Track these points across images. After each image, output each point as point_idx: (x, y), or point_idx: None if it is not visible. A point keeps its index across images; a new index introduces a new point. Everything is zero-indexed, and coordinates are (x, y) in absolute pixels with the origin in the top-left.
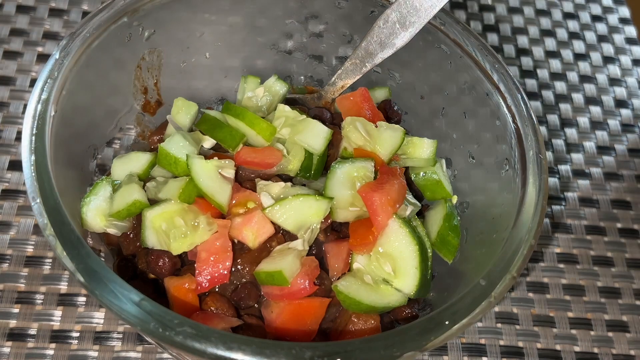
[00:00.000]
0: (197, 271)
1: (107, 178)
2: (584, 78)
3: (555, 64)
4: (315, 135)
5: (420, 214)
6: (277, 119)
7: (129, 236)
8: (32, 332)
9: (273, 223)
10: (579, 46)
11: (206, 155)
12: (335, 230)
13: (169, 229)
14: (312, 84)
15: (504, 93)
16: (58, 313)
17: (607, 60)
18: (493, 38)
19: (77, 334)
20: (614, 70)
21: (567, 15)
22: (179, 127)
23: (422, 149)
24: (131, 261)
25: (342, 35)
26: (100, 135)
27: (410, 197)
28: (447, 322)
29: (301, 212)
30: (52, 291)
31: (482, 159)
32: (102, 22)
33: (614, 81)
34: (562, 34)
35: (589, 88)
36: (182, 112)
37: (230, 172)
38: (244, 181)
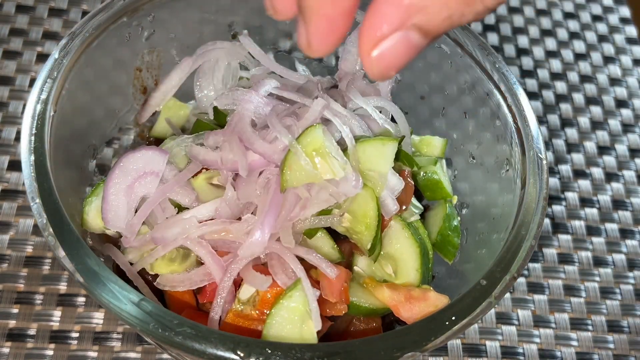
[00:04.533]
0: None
1: None
2: (585, 78)
3: (556, 64)
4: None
5: (421, 215)
6: None
7: None
8: (32, 332)
9: None
10: (579, 46)
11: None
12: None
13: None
14: None
15: (504, 93)
16: (57, 313)
17: (608, 60)
18: (493, 38)
19: (77, 334)
20: (615, 70)
21: (567, 15)
22: (178, 131)
23: (435, 147)
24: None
25: None
26: (99, 135)
27: (414, 200)
28: (447, 323)
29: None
30: (51, 291)
31: (483, 159)
32: (101, 22)
33: (614, 81)
34: (562, 33)
35: (590, 88)
36: (172, 113)
37: (220, 179)
38: None
